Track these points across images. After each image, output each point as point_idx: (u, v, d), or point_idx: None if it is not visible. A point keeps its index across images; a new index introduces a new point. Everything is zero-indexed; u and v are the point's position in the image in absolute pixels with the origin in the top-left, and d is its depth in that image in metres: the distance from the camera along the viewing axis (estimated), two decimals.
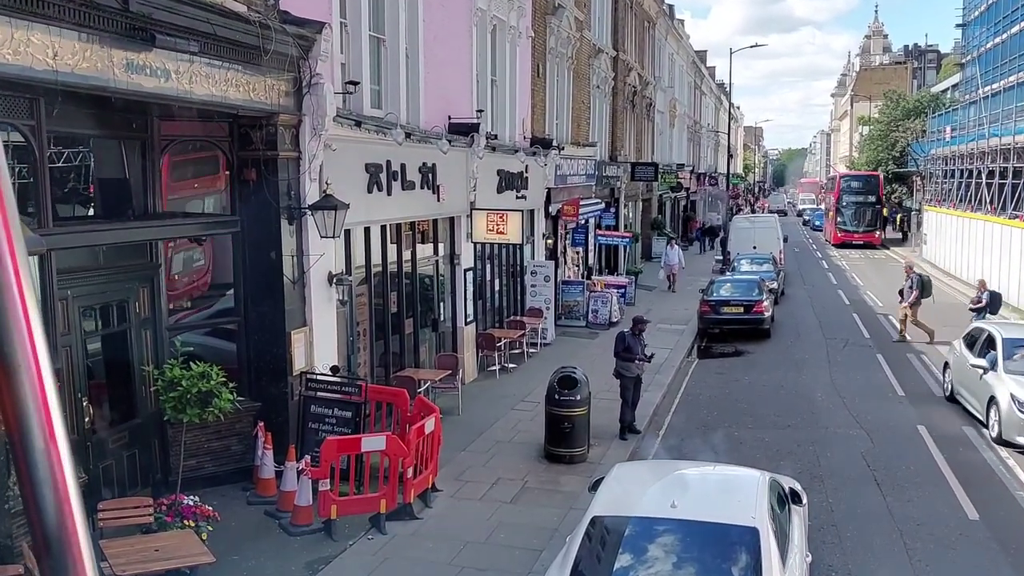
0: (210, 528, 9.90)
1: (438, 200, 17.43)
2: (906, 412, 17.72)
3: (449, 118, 18.54)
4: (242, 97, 11.44)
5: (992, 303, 23.54)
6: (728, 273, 33.17)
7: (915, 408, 17.98)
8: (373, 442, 11.35)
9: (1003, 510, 12.73)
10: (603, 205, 31.12)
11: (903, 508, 12.64)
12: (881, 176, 58.17)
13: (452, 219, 19.02)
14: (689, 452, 15.26)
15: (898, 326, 25.32)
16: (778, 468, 14.04)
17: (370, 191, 14.60)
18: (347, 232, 14.45)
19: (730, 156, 62.59)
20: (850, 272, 42.90)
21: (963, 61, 49.42)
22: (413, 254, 17.27)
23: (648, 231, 46.81)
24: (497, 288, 22.55)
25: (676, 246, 35.95)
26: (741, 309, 24.67)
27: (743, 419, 17.44)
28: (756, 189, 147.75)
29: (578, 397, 14.29)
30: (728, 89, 78.04)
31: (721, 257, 40.23)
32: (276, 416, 12.63)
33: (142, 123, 11.64)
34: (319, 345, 13.22)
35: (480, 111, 19.10)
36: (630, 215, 42.64)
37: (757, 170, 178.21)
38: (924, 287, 24.97)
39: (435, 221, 18.39)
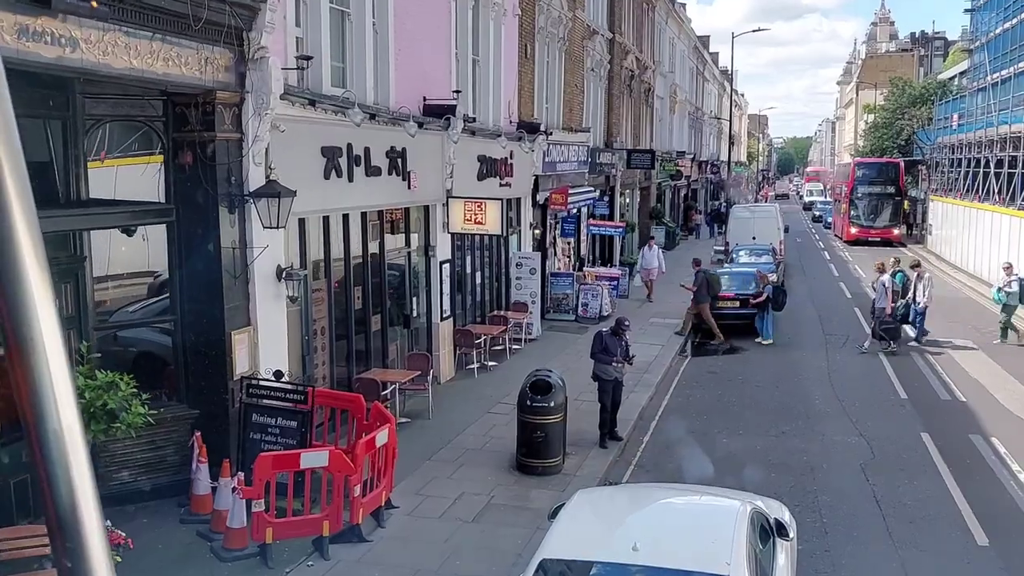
0: (118, 558, 8.73)
1: (409, 187, 16.23)
2: (909, 418, 16.53)
3: (424, 99, 17.36)
4: (171, 71, 10.23)
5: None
6: (727, 265, 31.93)
7: (918, 413, 16.78)
8: (314, 458, 10.18)
9: (1015, 533, 11.57)
10: (596, 193, 29.86)
11: (904, 531, 11.47)
12: (902, 164, 52.35)
13: (427, 208, 17.82)
14: (673, 463, 14.14)
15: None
16: (768, 482, 12.93)
17: (327, 177, 13.38)
18: (301, 222, 13.28)
19: (731, 143, 61.20)
20: (853, 264, 41.63)
21: (971, 47, 47.94)
22: (381, 245, 16.08)
23: (647, 220, 45.53)
24: (479, 281, 21.33)
25: (655, 247, 30.94)
26: (737, 304, 23.40)
27: (734, 424, 16.27)
28: (760, 177, 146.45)
29: (552, 404, 13.11)
30: (731, 76, 76.45)
31: (721, 247, 38.79)
32: (215, 425, 11.47)
33: (62, 100, 10.46)
34: (265, 346, 12.04)
35: (457, 92, 17.85)
36: (627, 204, 41.40)
37: (762, 158, 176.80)
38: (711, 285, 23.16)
39: (407, 210, 17.18)
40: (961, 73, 57.05)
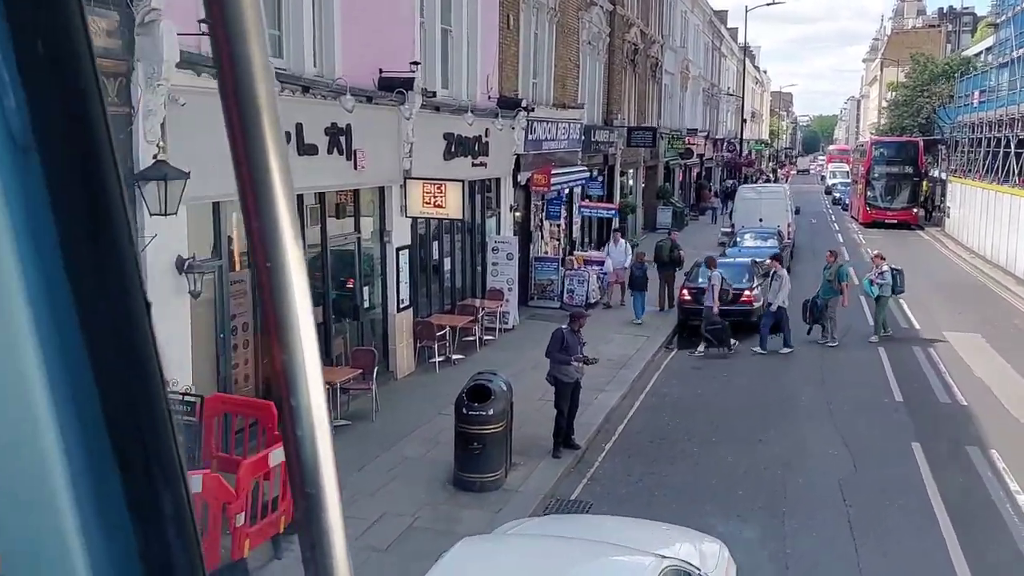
0: None
1: (355, 167, 14.85)
2: (901, 424, 15.06)
3: (380, 71, 15.97)
4: None
5: None
6: (728, 249, 30.34)
7: (912, 419, 15.31)
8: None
9: (1003, 565, 10.16)
10: (588, 173, 28.29)
11: (878, 564, 10.06)
12: (921, 143, 49.88)
13: (382, 190, 16.45)
14: (633, 477, 12.78)
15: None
16: (734, 502, 11.61)
17: None
18: (215, 206, 11.96)
19: (744, 120, 59.29)
20: (865, 248, 39.89)
21: (997, 22, 45.89)
22: (323, 231, 14.70)
23: (653, 200, 43.97)
24: (448, 267, 19.92)
25: (622, 241, 26.32)
26: (727, 298, 21.63)
27: (708, 430, 14.86)
28: (783, 156, 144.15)
29: (491, 412, 11.73)
30: (745, 50, 74.05)
31: (729, 229, 36.94)
32: None
33: None
34: (163, 348, 10.70)
35: (415, 63, 16.40)
36: (631, 184, 39.85)
37: (785, 136, 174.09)
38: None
39: (356, 192, 15.81)
40: (987, 49, 54.83)
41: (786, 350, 19.86)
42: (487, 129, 20.34)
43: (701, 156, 58.75)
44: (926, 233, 45.96)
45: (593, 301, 24.27)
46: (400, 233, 16.85)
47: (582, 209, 28.34)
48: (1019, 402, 16.11)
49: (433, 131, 17.76)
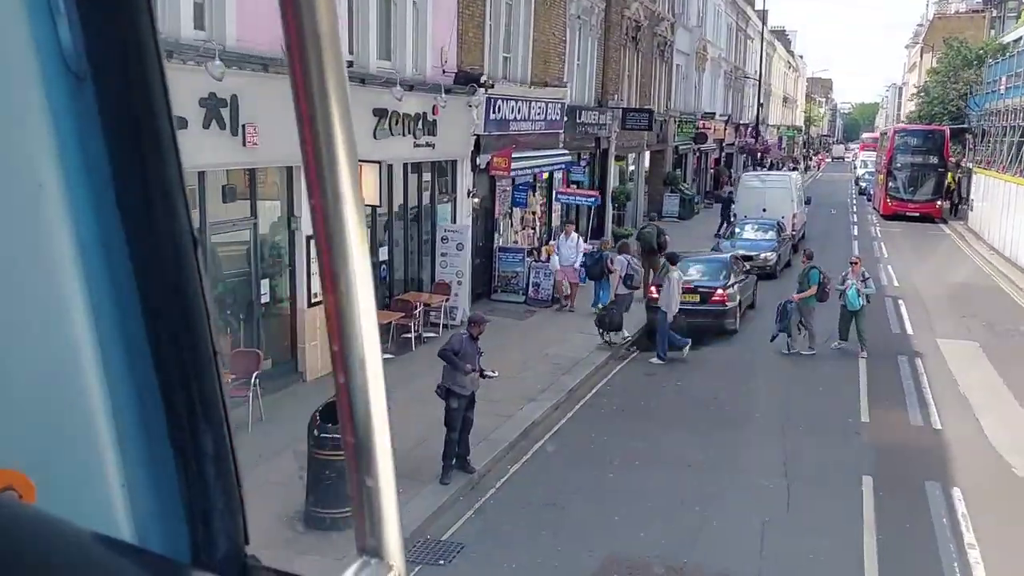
0: None
1: (244, 145, 13.16)
2: (858, 452, 13.15)
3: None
4: None
5: None
6: (723, 242, 28.35)
7: (874, 445, 13.41)
8: None
9: None
10: (569, 157, 26.35)
11: None
12: (947, 132, 47.06)
13: (288, 171, 14.74)
14: (525, 509, 11.07)
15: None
16: (631, 546, 9.91)
17: None
18: None
19: (760, 104, 56.85)
20: (880, 241, 37.70)
21: None
22: (202, 216, 12.99)
23: (660, 187, 41.93)
24: (386, 257, 18.13)
25: (574, 235, 22.85)
26: (697, 298, 19.50)
27: (637, 449, 13.04)
28: (818, 143, 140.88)
29: None
30: (763, 23, 70.71)
31: (731, 219, 34.68)
32: None
33: None
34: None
35: None
36: (632, 169, 37.87)
37: (824, 123, 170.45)
38: None
39: (250, 173, 14.14)
40: None
41: (657, 361, 17.86)
42: (434, 106, 18.53)
43: (720, 141, 56.49)
44: (948, 227, 43.50)
45: (564, 295, 22.48)
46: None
47: (560, 196, 26.43)
48: (1002, 427, 14.15)
49: (357, 106, 16.00)
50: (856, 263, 19.07)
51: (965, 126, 49.17)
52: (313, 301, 15.28)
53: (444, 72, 19.55)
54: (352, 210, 0.82)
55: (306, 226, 14.97)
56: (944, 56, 58.90)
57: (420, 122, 18.19)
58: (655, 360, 17.81)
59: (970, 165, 46.73)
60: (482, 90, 20.40)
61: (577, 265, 21.43)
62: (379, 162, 15.11)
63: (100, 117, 0.85)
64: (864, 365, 17.57)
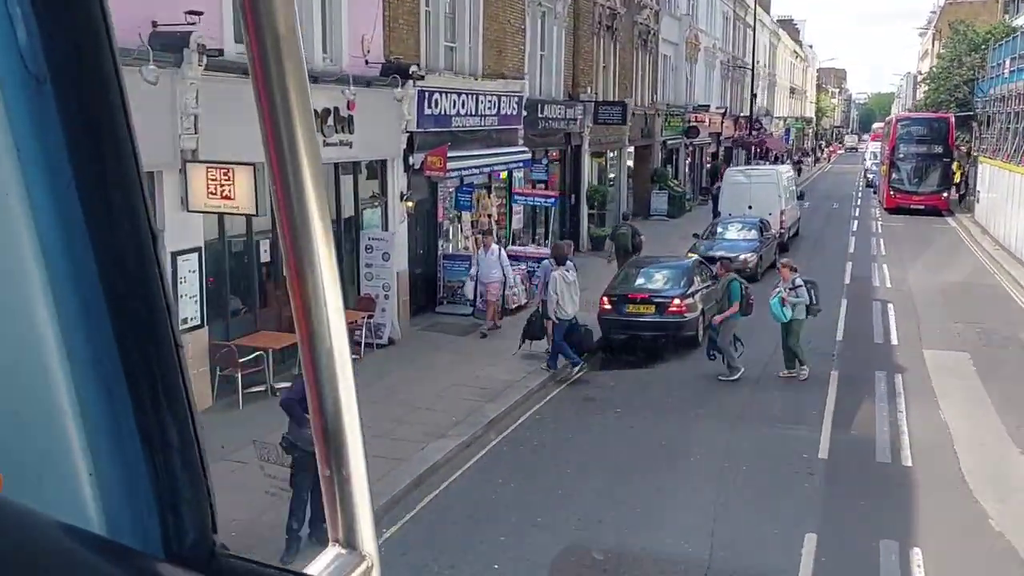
0: None
1: None
2: (805, 498, 11.04)
3: (154, 25, 12.39)
4: None
5: None
6: (702, 243, 26.19)
7: (828, 491, 11.29)
8: None
9: None
10: (528, 155, 24.29)
11: None
12: (951, 119, 44.90)
13: (152, 176, 12.76)
14: None
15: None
16: None
17: None
18: None
19: (754, 94, 54.53)
20: (879, 237, 35.44)
21: None
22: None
23: (647, 184, 39.78)
24: (287, 273, 16.14)
25: (495, 247, 19.87)
26: (652, 309, 17.44)
27: (545, 499, 10.98)
28: (831, 134, 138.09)
29: None
30: (756, 8, 68.03)
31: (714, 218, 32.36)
32: None
33: None
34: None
35: (195, 14, 12.67)
36: (613, 166, 35.75)
37: (836, 114, 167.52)
38: None
39: None
40: None
41: (575, 371, 16.13)
42: (348, 101, 16.50)
43: (718, 135, 54.24)
44: (954, 220, 41.12)
45: (513, 307, 20.44)
46: (180, 233, 13.15)
47: (517, 197, 24.35)
48: (984, 465, 12.01)
49: (241, 101, 13.99)
50: (784, 267, 16.66)
51: (970, 113, 46.67)
52: (188, 327, 13.33)
53: (368, 63, 17.58)
54: (316, 208, 0.82)
55: (174, 241, 13.06)
56: (950, 40, 56.37)
57: (331, 118, 16.19)
58: (545, 367, 16.19)
59: (977, 154, 44.32)
60: (411, 82, 18.37)
61: (497, 278, 19.19)
62: (252, 165, 13.01)
63: (60, 118, 0.86)
64: (835, 385, 15.44)
